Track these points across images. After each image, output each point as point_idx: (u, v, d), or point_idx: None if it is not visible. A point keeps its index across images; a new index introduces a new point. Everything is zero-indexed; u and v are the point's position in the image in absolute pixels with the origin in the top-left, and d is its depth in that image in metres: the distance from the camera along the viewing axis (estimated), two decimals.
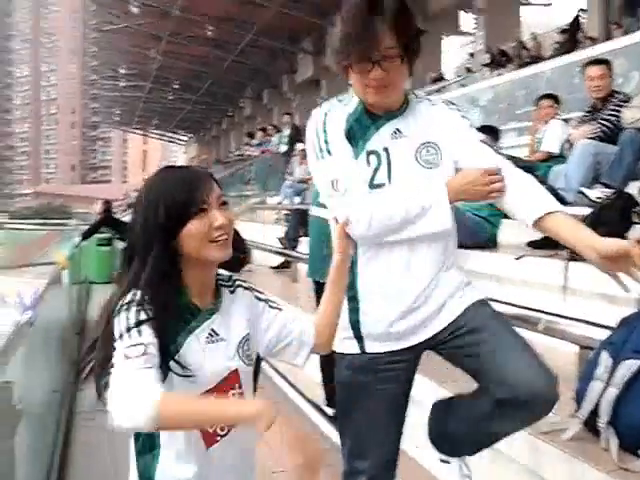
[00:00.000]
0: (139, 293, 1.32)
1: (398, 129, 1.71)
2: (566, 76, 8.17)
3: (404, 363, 1.79)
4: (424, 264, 1.73)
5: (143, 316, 1.28)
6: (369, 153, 1.69)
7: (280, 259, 7.99)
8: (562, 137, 5.59)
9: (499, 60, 12.42)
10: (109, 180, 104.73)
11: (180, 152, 56.79)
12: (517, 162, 5.03)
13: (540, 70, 9.24)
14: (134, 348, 1.24)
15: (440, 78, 14.83)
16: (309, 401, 3.79)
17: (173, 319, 1.35)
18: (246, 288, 1.55)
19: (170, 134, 46.47)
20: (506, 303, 3.41)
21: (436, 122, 1.74)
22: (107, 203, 9.61)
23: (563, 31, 11.78)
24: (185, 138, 46.78)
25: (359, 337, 1.77)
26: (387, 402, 1.79)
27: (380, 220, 1.65)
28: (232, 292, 1.52)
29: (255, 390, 1.58)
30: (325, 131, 1.71)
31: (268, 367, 4.50)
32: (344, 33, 1.64)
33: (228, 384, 1.42)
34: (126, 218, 14.26)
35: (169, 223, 1.35)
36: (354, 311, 1.77)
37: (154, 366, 1.23)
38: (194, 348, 1.36)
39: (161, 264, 1.35)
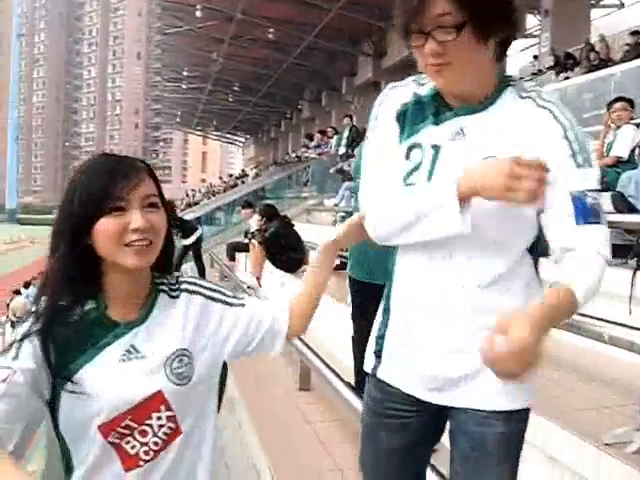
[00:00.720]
0: (42, 299, 1.20)
1: (463, 129, 1.31)
2: (637, 80, 7.88)
3: (415, 415, 1.43)
4: (462, 289, 1.32)
5: (34, 328, 1.16)
6: (412, 146, 1.36)
7: (336, 260, 7.98)
8: (633, 142, 5.41)
9: (565, 63, 12.09)
10: (170, 180, 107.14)
11: (238, 153, 57.65)
12: None
13: (609, 73, 8.95)
14: (1, 371, 1.12)
15: None
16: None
17: (76, 333, 1.20)
18: (192, 292, 1.35)
19: (229, 135, 47.23)
20: (585, 315, 3.32)
21: (526, 133, 1.27)
22: (170, 203, 9.88)
23: (634, 33, 11.36)
24: (243, 139, 47.44)
25: (378, 355, 1.49)
26: (390, 459, 1.47)
27: (386, 221, 1.36)
28: (173, 297, 1.33)
29: (219, 406, 1.41)
30: (380, 105, 1.45)
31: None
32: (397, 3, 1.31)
33: (149, 408, 1.23)
34: (187, 217, 14.58)
35: (80, 217, 1.18)
36: (383, 325, 1.48)
37: (10, 396, 1.09)
38: (100, 368, 1.20)
39: (67, 265, 1.19)
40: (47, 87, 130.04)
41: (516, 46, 20.66)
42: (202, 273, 10.00)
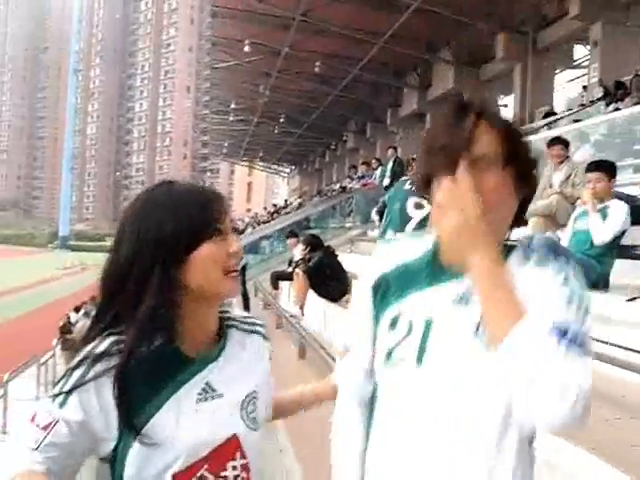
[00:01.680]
0: (108, 341, 1.09)
1: (466, 294, 1.10)
2: None
3: None
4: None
5: (100, 369, 1.07)
6: (399, 315, 1.16)
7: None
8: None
9: (615, 93, 11.91)
10: None
11: (283, 184, 58.25)
12: (633, 200, 4.84)
13: None
14: (45, 415, 1.07)
15: (551, 113, 14.40)
16: None
17: (148, 373, 1.09)
18: (264, 336, 1.31)
19: (274, 166, 47.83)
20: (616, 345, 3.25)
21: (528, 292, 1.05)
22: None
23: None
24: (288, 170, 47.97)
25: None
26: None
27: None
28: (247, 332, 1.27)
29: None
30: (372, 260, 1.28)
31: None
32: (430, 136, 1.16)
33: (225, 455, 1.14)
34: None
35: (178, 244, 1.10)
36: None
37: (49, 444, 1.05)
38: (177, 410, 1.11)
39: (163, 297, 1.09)
40: (101, 120, 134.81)
41: (564, 77, 20.50)
42: (246, 302, 10.10)
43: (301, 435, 4.32)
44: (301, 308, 7.97)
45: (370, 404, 1.22)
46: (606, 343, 3.23)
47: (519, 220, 1.19)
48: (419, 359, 1.12)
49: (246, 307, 10.02)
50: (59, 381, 1.09)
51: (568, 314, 1.03)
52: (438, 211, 1.07)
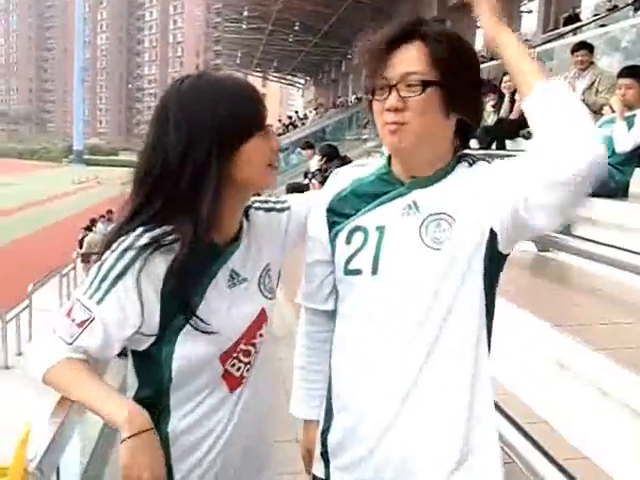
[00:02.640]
0: (147, 236, 1.09)
1: (415, 202, 1.20)
2: None
3: None
4: (398, 364, 1.19)
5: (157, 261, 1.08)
6: (354, 229, 1.23)
7: None
8: None
9: None
10: None
11: (298, 95, 57.19)
12: None
13: None
14: (81, 311, 1.09)
15: (575, 18, 13.80)
16: None
17: (194, 262, 1.11)
18: (280, 210, 1.37)
19: (289, 77, 46.76)
20: (633, 252, 3.26)
21: (471, 188, 1.18)
22: None
23: None
24: (303, 81, 46.92)
25: (325, 458, 1.31)
26: None
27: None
28: (265, 212, 1.33)
29: None
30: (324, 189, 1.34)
31: None
32: (365, 53, 1.22)
33: (256, 327, 1.24)
34: None
35: (233, 136, 1.12)
36: (327, 416, 1.31)
37: (80, 346, 1.08)
38: (216, 297, 1.16)
39: (219, 190, 1.11)
40: (110, 29, 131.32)
41: None
42: None
43: None
44: None
45: (332, 314, 1.32)
46: (624, 250, 3.25)
47: (463, 142, 1.24)
48: (374, 269, 1.19)
49: None
50: (95, 277, 1.09)
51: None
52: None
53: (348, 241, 1.23)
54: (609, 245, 3.54)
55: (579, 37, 9.68)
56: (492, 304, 1.22)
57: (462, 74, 1.15)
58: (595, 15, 13.50)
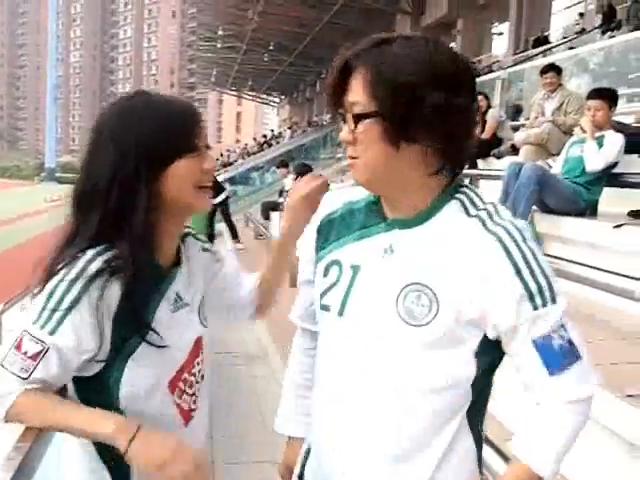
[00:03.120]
0: (99, 260, 1.07)
1: (392, 245, 1.08)
2: None
3: None
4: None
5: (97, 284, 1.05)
6: (331, 263, 1.16)
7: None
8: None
9: (611, 20, 11.68)
10: None
11: (273, 114, 57.40)
12: (626, 128, 4.84)
13: None
14: (32, 343, 1.05)
15: (544, 40, 14.13)
16: None
17: (142, 284, 1.10)
18: (196, 238, 1.33)
19: (263, 96, 46.99)
20: (602, 270, 3.33)
21: (465, 263, 1.02)
22: None
23: None
24: (278, 100, 47.18)
25: None
26: None
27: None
28: (183, 243, 1.28)
29: None
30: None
31: None
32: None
33: (194, 354, 1.23)
34: (220, 178, 14.64)
35: (159, 158, 1.10)
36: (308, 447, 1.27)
37: (37, 377, 1.05)
38: (162, 320, 1.15)
39: (149, 212, 1.10)
40: (84, 47, 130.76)
41: (561, 4, 19.99)
42: (234, 232, 10.15)
43: None
44: None
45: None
46: (593, 268, 3.32)
47: (453, 172, 1.08)
48: (341, 310, 1.11)
49: (234, 236, 10.08)
50: (44, 306, 1.06)
51: (541, 318, 1.00)
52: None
53: (325, 274, 1.16)
54: (578, 263, 3.61)
55: (548, 59, 9.92)
56: (485, 384, 1.11)
57: (412, 99, 0.98)
58: (564, 37, 13.85)
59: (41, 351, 1.04)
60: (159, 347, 1.12)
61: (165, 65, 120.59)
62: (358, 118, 1.02)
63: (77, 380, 1.14)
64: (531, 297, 1.00)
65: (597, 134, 4.67)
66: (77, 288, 1.05)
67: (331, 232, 1.19)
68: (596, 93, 4.88)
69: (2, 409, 1.05)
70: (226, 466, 3.22)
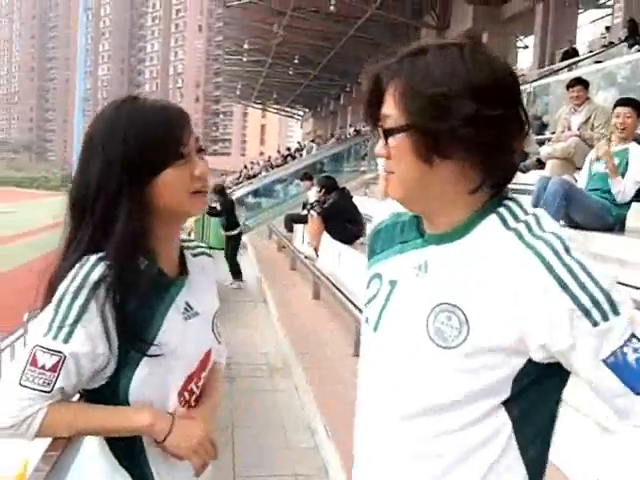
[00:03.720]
0: (102, 265, 1.07)
1: (427, 262, 1.04)
2: None
3: None
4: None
5: (99, 298, 1.05)
6: (374, 275, 1.15)
7: None
8: None
9: (636, 34, 11.54)
10: (229, 153, 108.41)
11: (297, 127, 57.69)
12: None
13: None
14: (47, 356, 1.04)
15: (574, 52, 13.98)
16: None
17: (148, 292, 1.11)
18: (209, 255, 1.34)
19: (288, 109, 47.26)
20: (630, 286, 3.27)
21: (498, 279, 0.94)
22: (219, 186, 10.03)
23: None
24: (302, 113, 47.41)
25: None
26: None
27: None
28: (195, 255, 1.29)
29: None
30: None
31: None
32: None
33: (202, 367, 1.22)
34: (243, 190, 14.71)
35: (143, 167, 1.09)
36: None
37: (59, 388, 1.05)
38: (173, 327, 1.14)
39: (136, 221, 1.09)
40: (112, 60, 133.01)
41: (588, 17, 19.85)
42: (237, 273, 9.56)
43: (317, 373, 4.42)
44: (315, 250, 8.04)
45: None
46: (622, 285, 3.25)
47: (497, 188, 1.01)
48: (376, 325, 1.09)
49: (234, 273, 9.55)
50: (53, 317, 1.06)
51: (606, 341, 0.89)
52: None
53: (368, 285, 1.15)
54: None
55: (574, 73, 9.83)
56: (534, 423, 1.00)
57: (443, 112, 0.94)
58: (590, 51, 13.72)
59: (59, 361, 1.04)
60: (160, 355, 1.11)
61: (191, 78, 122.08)
62: (389, 132, 0.99)
63: (87, 392, 1.14)
64: (586, 313, 0.89)
65: (620, 147, 4.57)
66: (84, 295, 1.05)
67: (377, 244, 1.18)
68: (625, 101, 4.77)
69: (31, 430, 1.05)
70: (247, 479, 3.21)
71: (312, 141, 30.07)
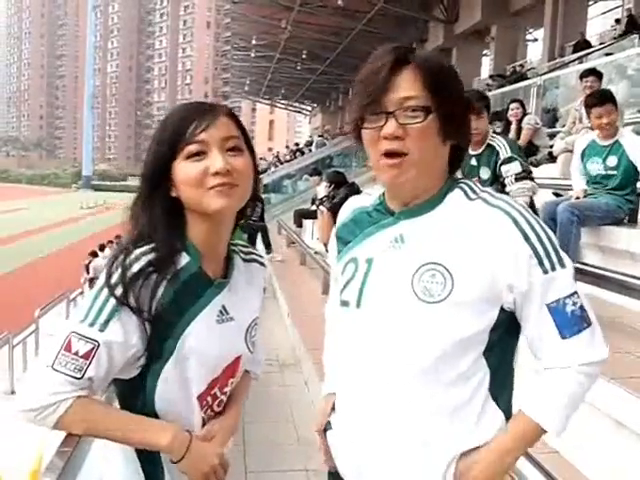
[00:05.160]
0: (143, 258, 1.09)
1: (402, 235, 1.15)
2: None
3: None
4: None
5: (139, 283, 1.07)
6: (349, 261, 1.22)
7: None
8: None
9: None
10: None
11: (305, 122, 57.67)
12: None
13: None
14: (82, 342, 1.06)
15: (585, 44, 13.84)
16: None
17: (179, 289, 1.11)
18: (262, 264, 1.33)
19: (296, 104, 47.18)
20: None
21: (477, 238, 1.09)
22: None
23: None
24: (310, 108, 47.32)
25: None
26: None
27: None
28: (247, 261, 1.30)
29: None
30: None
31: None
32: (358, 81, 1.16)
33: (230, 373, 1.22)
34: None
35: (159, 161, 1.13)
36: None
37: (89, 378, 1.07)
38: (202, 329, 1.14)
39: (167, 214, 1.13)
40: (120, 57, 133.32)
41: (597, 9, 19.69)
42: (265, 239, 9.99)
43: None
44: (325, 245, 8.03)
45: None
46: (633, 278, 3.23)
47: (454, 167, 1.19)
48: (358, 301, 1.17)
49: (267, 245, 9.99)
50: (92, 305, 1.08)
51: (553, 282, 1.08)
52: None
53: (343, 272, 1.22)
54: (618, 272, 3.52)
55: (584, 65, 9.74)
56: (504, 373, 1.16)
57: (454, 98, 1.12)
58: (601, 43, 13.61)
59: (93, 348, 1.05)
60: (187, 357, 1.12)
61: (199, 74, 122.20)
62: (426, 111, 1.08)
63: (117, 382, 1.16)
64: (540, 261, 1.07)
65: (610, 141, 4.37)
66: (122, 285, 1.07)
67: (347, 235, 1.26)
68: (600, 99, 4.38)
69: (52, 418, 1.05)
70: (258, 474, 3.21)
71: (320, 136, 30.02)
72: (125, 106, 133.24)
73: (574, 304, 1.08)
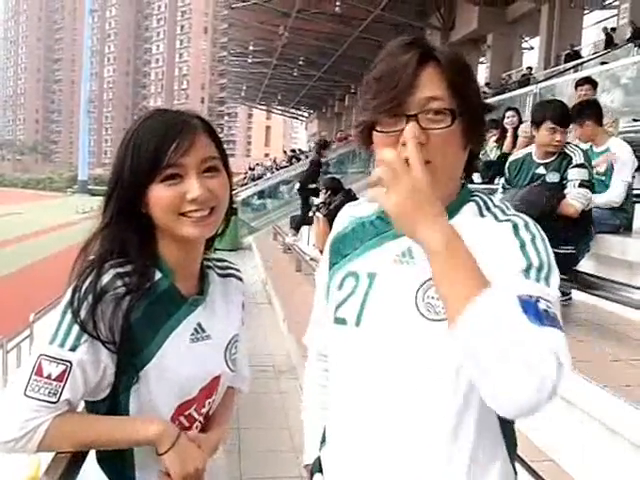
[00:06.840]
0: (111, 272, 1.05)
1: (411, 248, 1.03)
2: None
3: None
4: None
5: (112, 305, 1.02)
6: (347, 275, 1.10)
7: None
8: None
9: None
10: (233, 154, 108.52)
11: (301, 128, 57.71)
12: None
13: None
14: (54, 365, 1.01)
15: (575, 55, 13.97)
16: None
17: (150, 306, 1.07)
18: (239, 279, 1.29)
19: (293, 110, 47.31)
20: (638, 288, 3.26)
21: (485, 252, 0.93)
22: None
23: None
24: (307, 114, 47.44)
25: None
26: None
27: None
28: (223, 277, 1.25)
29: None
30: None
31: None
32: (373, 79, 1.03)
33: (207, 393, 1.17)
34: (248, 192, 14.78)
35: (131, 184, 1.06)
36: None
37: (66, 399, 1.02)
38: (174, 348, 1.09)
39: (132, 229, 1.08)
40: (117, 62, 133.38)
41: (592, 18, 19.81)
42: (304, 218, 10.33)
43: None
44: (321, 252, 8.03)
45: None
46: (628, 286, 3.24)
47: (468, 171, 1.08)
48: (358, 320, 1.05)
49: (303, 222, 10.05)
50: (60, 324, 1.04)
51: (531, 286, 0.90)
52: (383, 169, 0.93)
53: (340, 287, 1.10)
54: (614, 281, 3.53)
55: (580, 74, 9.80)
56: None
57: (476, 100, 1.01)
58: (595, 52, 13.70)
59: (65, 369, 1.01)
60: (154, 375, 1.08)
61: (196, 80, 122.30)
62: (453, 115, 0.96)
63: (91, 404, 1.12)
64: (528, 268, 0.93)
65: (600, 148, 4.43)
66: (88, 304, 1.02)
67: (344, 247, 1.14)
68: (585, 114, 4.45)
69: (32, 444, 1.02)
70: None
71: (317, 143, 30.06)
72: (121, 111, 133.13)
73: (548, 307, 0.88)
